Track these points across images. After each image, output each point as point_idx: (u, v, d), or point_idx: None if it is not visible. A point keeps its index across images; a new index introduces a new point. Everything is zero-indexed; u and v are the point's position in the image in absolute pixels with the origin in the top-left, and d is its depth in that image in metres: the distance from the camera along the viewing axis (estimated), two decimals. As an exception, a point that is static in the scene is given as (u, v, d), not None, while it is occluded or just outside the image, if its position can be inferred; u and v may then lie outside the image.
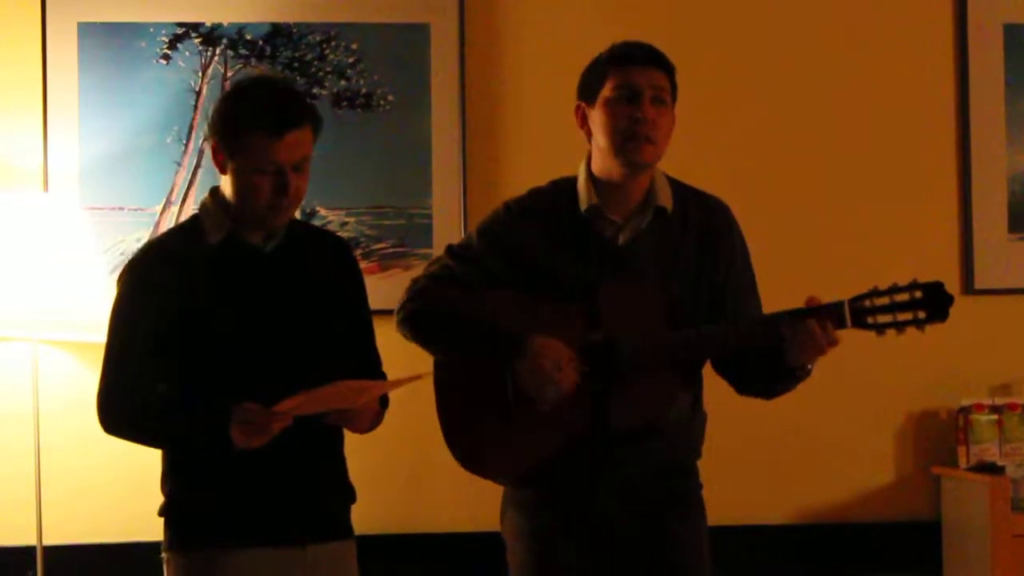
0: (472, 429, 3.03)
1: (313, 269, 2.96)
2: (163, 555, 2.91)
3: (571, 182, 3.08)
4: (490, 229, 3.11)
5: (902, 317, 2.78)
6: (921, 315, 2.77)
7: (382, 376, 3.03)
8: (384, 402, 3.00)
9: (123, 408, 2.84)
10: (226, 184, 2.88)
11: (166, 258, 2.88)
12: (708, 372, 3.11)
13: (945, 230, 4.33)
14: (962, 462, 4.15)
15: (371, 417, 2.94)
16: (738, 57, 4.30)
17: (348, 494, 3.01)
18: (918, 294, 2.77)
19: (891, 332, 2.80)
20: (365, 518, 4.09)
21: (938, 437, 4.28)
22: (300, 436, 2.80)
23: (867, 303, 2.80)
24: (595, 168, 3.04)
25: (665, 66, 3.03)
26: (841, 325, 2.82)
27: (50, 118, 4.12)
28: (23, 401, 3.95)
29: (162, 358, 2.83)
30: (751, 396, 3.10)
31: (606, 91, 2.99)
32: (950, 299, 2.77)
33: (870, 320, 2.79)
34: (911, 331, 4.23)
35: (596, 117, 3.01)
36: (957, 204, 4.31)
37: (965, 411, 4.16)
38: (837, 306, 2.81)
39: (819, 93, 4.31)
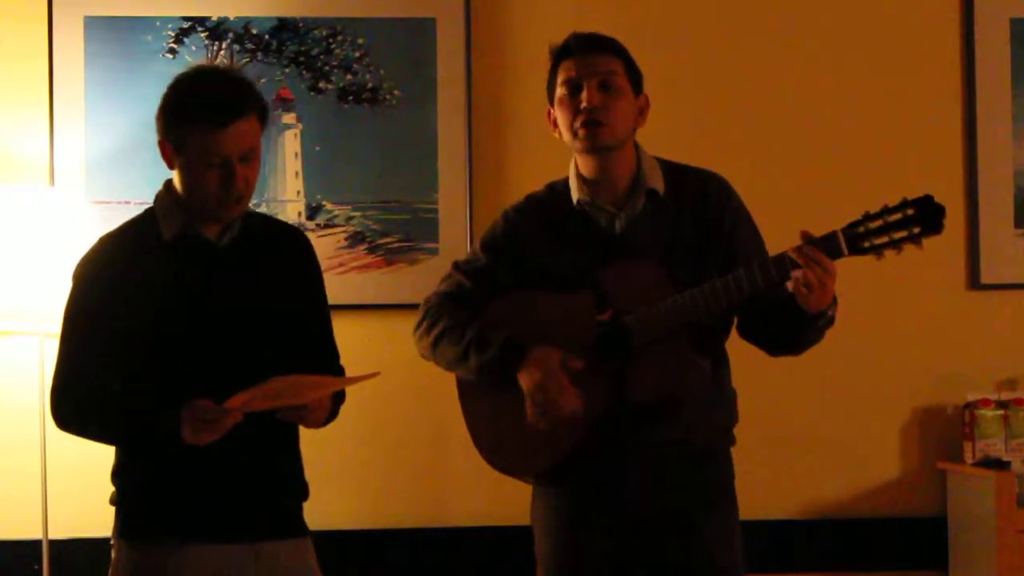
0: (496, 427, 3.03)
1: (268, 263, 2.91)
2: (112, 541, 2.87)
3: (565, 182, 3.10)
4: (493, 240, 3.13)
5: (897, 236, 2.74)
6: (916, 230, 2.73)
7: (340, 370, 3.00)
8: (340, 398, 2.95)
9: (76, 404, 2.81)
10: (177, 178, 2.84)
11: (121, 253, 2.84)
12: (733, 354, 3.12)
13: (951, 225, 4.21)
14: (968, 457, 4.15)
15: (324, 414, 2.88)
16: (742, 52, 4.30)
17: (301, 491, 2.95)
18: (910, 211, 2.73)
19: (890, 253, 2.76)
20: (390, 512, 4.10)
21: (944, 432, 4.28)
22: (254, 432, 2.75)
23: (861, 228, 2.76)
24: (578, 166, 3.08)
25: (610, 48, 3.04)
26: (838, 254, 2.80)
27: (56, 112, 4.13)
28: (29, 395, 3.96)
29: (116, 354, 2.78)
30: (781, 354, 3.06)
31: (558, 89, 3.04)
32: (942, 209, 2.73)
33: (866, 244, 2.75)
34: (916, 327, 4.28)
35: (557, 116, 3.06)
36: (963, 199, 4.31)
37: (971, 406, 4.16)
38: (831, 236, 2.79)
39: (825, 88, 4.31)
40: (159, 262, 2.82)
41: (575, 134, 3.00)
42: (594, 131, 2.98)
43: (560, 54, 3.06)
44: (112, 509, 2.89)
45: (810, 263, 2.76)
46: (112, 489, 2.89)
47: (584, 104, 2.97)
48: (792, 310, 2.87)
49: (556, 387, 2.89)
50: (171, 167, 2.83)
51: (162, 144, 2.82)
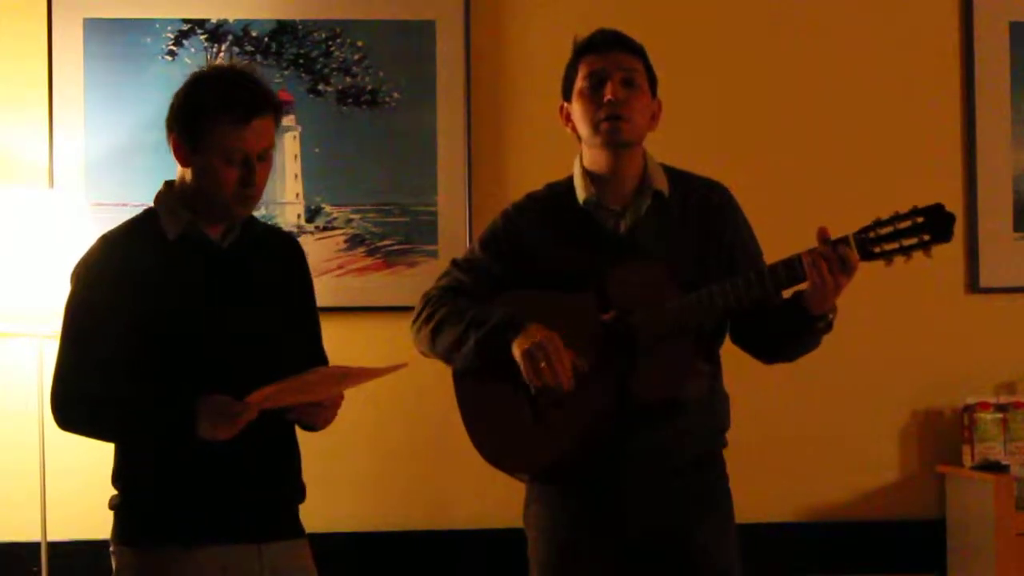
0: (497, 426, 3.02)
1: (266, 266, 2.92)
2: (111, 548, 2.86)
3: (567, 181, 3.11)
4: (492, 238, 3.13)
5: (907, 243, 2.77)
6: (926, 238, 2.76)
7: None
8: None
9: (80, 402, 2.80)
10: (184, 177, 2.83)
11: (123, 252, 2.83)
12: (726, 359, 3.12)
13: (950, 228, 4.31)
14: (967, 460, 4.15)
15: (335, 412, 2.89)
16: (741, 57, 4.30)
17: (300, 493, 2.96)
18: (920, 219, 2.77)
19: (899, 259, 2.79)
20: (389, 515, 4.09)
21: (943, 436, 4.28)
22: (257, 433, 2.75)
23: (872, 234, 2.79)
24: (586, 162, 3.08)
25: (633, 49, 3.06)
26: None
27: (56, 114, 4.13)
28: (28, 397, 3.95)
29: (121, 353, 2.77)
30: (774, 361, 3.07)
31: (579, 82, 3.05)
32: (952, 218, 2.77)
33: (876, 250, 2.79)
34: (915, 330, 4.28)
35: (575, 110, 3.06)
36: (962, 202, 4.30)
37: (970, 409, 4.16)
38: (843, 240, 2.81)
39: (824, 92, 4.31)
40: (163, 261, 2.82)
41: (596, 128, 3.01)
42: (616, 126, 2.99)
43: (584, 48, 3.07)
44: (110, 514, 2.87)
45: (836, 259, 2.79)
46: (110, 494, 2.87)
47: (608, 96, 2.98)
48: (791, 313, 2.88)
49: (556, 351, 2.86)
50: (184, 165, 2.82)
51: (176, 141, 2.81)
